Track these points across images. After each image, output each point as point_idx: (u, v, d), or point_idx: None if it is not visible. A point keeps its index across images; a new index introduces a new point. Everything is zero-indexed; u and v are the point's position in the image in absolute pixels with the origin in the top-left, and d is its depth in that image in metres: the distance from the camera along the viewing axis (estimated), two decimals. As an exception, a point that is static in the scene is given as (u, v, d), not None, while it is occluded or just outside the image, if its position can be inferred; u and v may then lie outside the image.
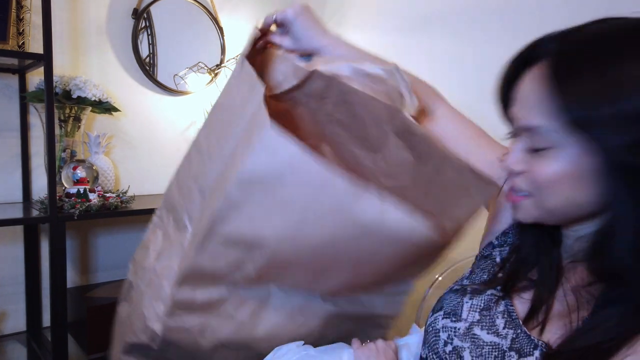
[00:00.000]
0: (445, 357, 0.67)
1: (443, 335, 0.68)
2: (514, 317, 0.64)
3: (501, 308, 0.66)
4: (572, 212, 0.58)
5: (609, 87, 0.50)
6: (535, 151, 0.57)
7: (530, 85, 0.57)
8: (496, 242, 0.76)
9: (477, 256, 0.79)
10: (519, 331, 0.62)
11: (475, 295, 0.70)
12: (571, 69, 0.53)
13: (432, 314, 0.72)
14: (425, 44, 1.62)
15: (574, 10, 1.23)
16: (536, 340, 0.60)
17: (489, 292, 0.69)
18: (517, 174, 0.60)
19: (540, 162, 0.57)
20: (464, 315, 0.68)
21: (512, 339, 0.62)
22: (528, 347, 0.60)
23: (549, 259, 0.66)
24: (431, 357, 0.70)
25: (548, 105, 0.54)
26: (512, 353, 0.60)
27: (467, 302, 0.69)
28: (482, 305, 0.68)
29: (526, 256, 0.68)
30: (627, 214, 0.52)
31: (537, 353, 0.59)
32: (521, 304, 0.66)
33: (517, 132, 0.61)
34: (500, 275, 0.71)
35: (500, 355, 0.61)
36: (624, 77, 0.50)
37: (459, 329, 0.67)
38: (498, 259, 0.74)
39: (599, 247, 0.56)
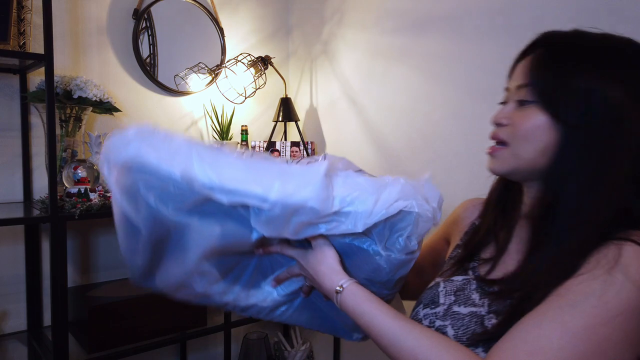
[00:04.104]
0: None
1: (425, 322, 0.76)
2: (487, 290, 0.74)
3: (474, 286, 0.76)
4: (539, 162, 0.69)
5: (567, 71, 0.68)
6: (521, 105, 0.71)
7: (528, 61, 0.73)
8: (460, 242, 0.87)
9: (446, 260, 0.89)
10: (493, 297, 0.72)
11: (448, 282, 0.79)
12: (561, 50, 0.70)
13: (413, 310, 0.81)
14: (425, 44, 1.62)
15: (572, 11, 1.23)
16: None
17: (460, 277, 0.79)
18: (501, 127, 0.73)
19: (522, 115, 0.70)
20: (442, 300, 0.77)
21: (489, 305, 0.71)
22: (503, 304, 0.70)
23: (506, 232, 0.78)
24: None
25: (537, 71, 0.70)
26: (491, 315, 0.70)
27: (441, 290, 0.79)
28: (456, 287, 0.78)
29: (485, 230, 0.81)
30: (571, 166, 0.66)
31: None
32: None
33: (509, 96, 0.75)
34: (461, 252, 0.83)
35: (479, 321, 0.70)
36: (581, 73, 0.67)
37: (439, 313, 0.75)
38: (463, 254, 0.84)
39: (547, 192, 0.69)
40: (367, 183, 0.72)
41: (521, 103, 0.71)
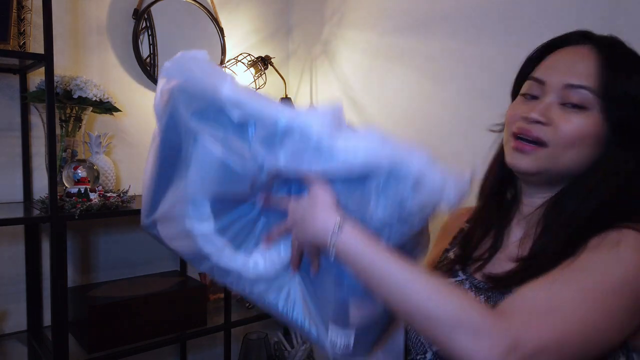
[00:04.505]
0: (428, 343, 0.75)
1: None
2: (481, 286, 0.74)
3: (467, 285, 0.76)
4: (572, 169, 0.68)
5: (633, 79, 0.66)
6: (563, 105, 0.68)
7: (580, 58, 0.69)
8: (449, 247, 0.87)
9: (436, 265, 0.88)
10: (490, 293, 0.72)
11: None
12: (622, 58, 0.68)
13: None
14: (425, 44, 1.62)
15: (573, 11, 1.23)
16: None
17: (452, 280, 0.79)
18: (538, 124, 0.68)
19: (568, 118, 0.67)
20: None
21: (485, 300, 0.71)
22: (501, 298, 0.69)
23: (499, 230, 0.78)
24: (416, 344, 0.78)
25: (595, 75, 0.66)
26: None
27: None
28: None
29: (484, 229, 0.79)
30: (606, 174, 0.66)
31: None
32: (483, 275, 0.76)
33: (540, 90, 0.71)
34: (451, 256, 0.83)
35: None
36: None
37: None
38: (453, 256, 0.84)
39: (563, 197, 0.69)
40: (379, 138, 0.67)
41: (565, 104, 0.68)
